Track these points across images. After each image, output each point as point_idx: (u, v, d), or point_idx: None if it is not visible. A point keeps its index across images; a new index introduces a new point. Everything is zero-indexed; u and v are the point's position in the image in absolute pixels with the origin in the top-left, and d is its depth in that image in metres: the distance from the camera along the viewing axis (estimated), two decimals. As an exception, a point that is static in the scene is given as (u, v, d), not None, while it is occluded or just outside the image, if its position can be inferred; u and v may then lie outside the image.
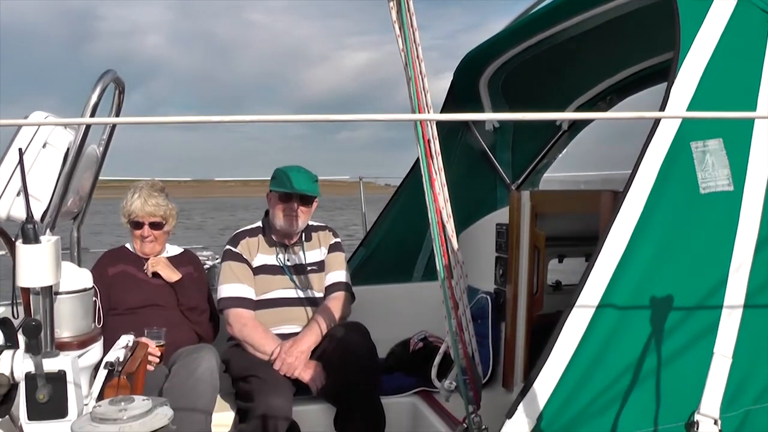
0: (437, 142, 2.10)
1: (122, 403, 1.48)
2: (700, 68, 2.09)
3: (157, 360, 3.22)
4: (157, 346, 3.20)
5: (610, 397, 1.99)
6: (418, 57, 1.99)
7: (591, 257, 2.03)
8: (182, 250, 3.87)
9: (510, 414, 1.96)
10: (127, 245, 3.76)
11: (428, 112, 2.02)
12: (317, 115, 1.20)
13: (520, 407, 1.96)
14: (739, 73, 2.17)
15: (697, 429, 1.94)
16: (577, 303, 1.97)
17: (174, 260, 3.70)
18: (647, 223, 2.01)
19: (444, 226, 2.16)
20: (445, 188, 2.16)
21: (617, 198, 2.84)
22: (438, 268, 2.29)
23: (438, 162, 2.10)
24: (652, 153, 2.02)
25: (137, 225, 3.60)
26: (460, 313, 2.37)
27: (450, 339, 2.45)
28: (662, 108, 2.02)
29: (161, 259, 3.64)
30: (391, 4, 1.98)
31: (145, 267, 3.62)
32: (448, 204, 2.17)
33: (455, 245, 2.28)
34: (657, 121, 2.03)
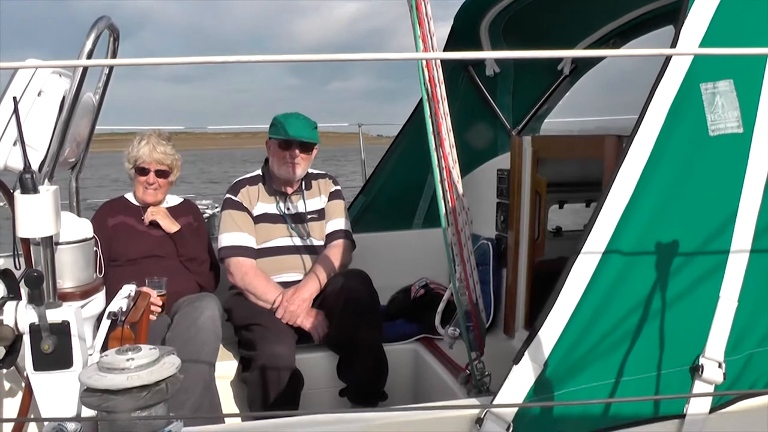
0: (443, 86, 2.06)
1: (129, 353, 1.47)
2: (712, 6, 2.03)
3: (159, 309, 3.22)
4: (158, 296, 3.20)
5: (616, 342, 1.99)
6: (427, 16, 1.94)
7: (597, 202, 2.01)
8: (182, 200, 3.86)
9: (517, 359, 1.96)
10: (127, 196, 3.74)
11: (437, 72, 1.97)
12: (323, 55, 1.16)
13: (527, 353, 1.96)
14: (753, 13, 2.12)
15: (702, 372, 1.95)
16: (584, 249, 1.96)
17: (173, 210, 3.69)
18: (655, 166, 1.98)
19: (450, 172, 2.14)
20: (451, 133, 2.13)
21: (621, 142, 2.84)
22: (441, 214, 2.28)
23: (444, 106, 2.06)
24: (660, 95, 1.98)
25: (143, 171, 3.58)
26: (465, 260, 2.35)
27: (453, 285, 2.45)
28: (672, 47, 1.97)
29: (160, 209, 3.63)
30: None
31: (143, 216, 3.61)
32: (454, 149, 2.15)
33: (461, 190, 2.26)
34: (666, 63, 1.98)
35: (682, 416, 2.03)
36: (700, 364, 1.97)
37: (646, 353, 1.99)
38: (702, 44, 2.00)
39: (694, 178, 2.05)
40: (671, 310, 1.98)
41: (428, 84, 2.04)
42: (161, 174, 3.60)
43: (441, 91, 2.08)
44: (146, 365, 1.45)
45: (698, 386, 1.98)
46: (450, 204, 2.22)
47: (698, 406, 2.03)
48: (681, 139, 2.01)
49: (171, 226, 3.59)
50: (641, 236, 1.99)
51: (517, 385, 1.94)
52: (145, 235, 3.57)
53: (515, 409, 1.92)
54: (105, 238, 3.38)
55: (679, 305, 2.00)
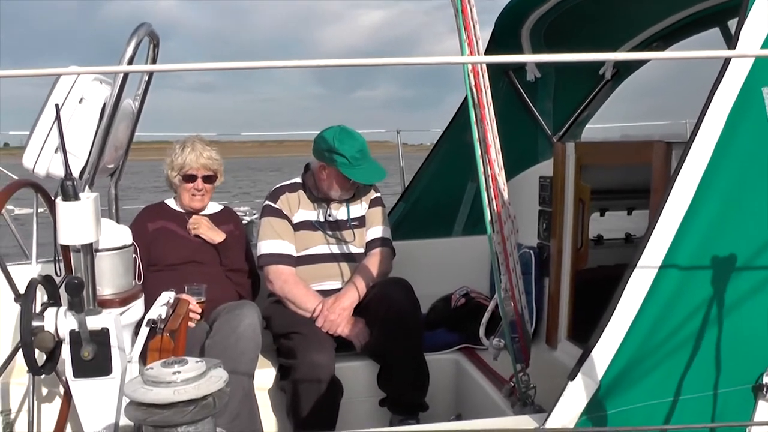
0: (489, 91, 2.01)
1: (175, 365, 1.43)
2: None
3: (198, 317, 3.21)
4: (197, 303, 3.19)
5: (674, 359, 1.91)
6: (469, 2, 1.89)
7: (656, 211, 1.93)
8: (222, 207, 3.83)
9: (572, 376, 1.89)
10: (167, 201, 3.72)
11: (483, 76, 1.92)
12: (364, 59, 1.11)
13: (582, 369, 1.89)
14: None
15: (766, 391, 1.86)
16: (640, 261, 1.88)
17: (215, 218, 3.66)
18: (714, 174, 1.90)
19: (496, 179, 2.09)
20: (497, 140, 2.08)
21: (671, 148, 2.76)
22: (487, 222, 2.22)
23: (490, 112, 2.01)
24: (719, 100, 1.90)
25: (191, 178, 3.56)
26: (511, 269, 2.29)
27: (498, 295, 2.39)
28: (731, 48, 1.89)
29: (203, 221, 3.59)
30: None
31: (188, 225, 3.58)
32: (500, 156, 2.09)
33: (507, 198, 2.21)
34: (724, 66, 1.90)
35: None
36: (764, 382, 1.88)
37: (705, 371, 1.91)
38: (764, 46, 1.92)
39: (755, 186, 1.96)
40: (732, 324, 1.90)
41: (474, 89, 1.99)
42: (208, 179, 3.59)
43: (487, 96, 2.03)
44: (193, 379, 1.41)
45: (761, 406, 1.89)
46: (496, 211, 2.17)
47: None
48: (741, 146, 1.93)
49: (215, 237, 3.56)
50: (700, 247, 1.92)
51: (572, 403, 1.87)
52: (186, 241, 3.54)
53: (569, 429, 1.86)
54: (145, 242, 3.37)
55: (741, 319, 1.92)
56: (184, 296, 3.13)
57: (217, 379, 1.44)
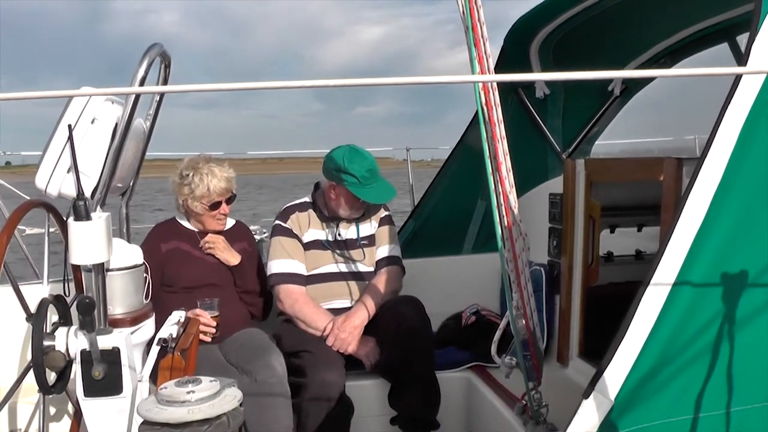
0: (499, 109, 2.01)
1: (189, 385, 1.43)
2: None
3: (213, 330, 3.18)
4: (211, 317, 3.16)
5: (689, 376, 1.89)
6: (479, 20, 1.89)
7: (668, 229, 1.91)
8: (234, 222, 3.74)
9: (586, 394, 1.88)
10: (178, 219, 3.65)
11: (493, 94, 1.92)
12: (376, 79, 1.11)
13: (596, 387, 1.87)
14: None
15: None
16: (654, 278, 1.86)
17: (229, 234, 3.59)
18: (727, 190, 1.88)
19: (507, 196, 2.08)
20: (508, 157, 2.07)
21: (681, 165, 2.75)
22: (498, 239, 2.21)
23: (501, 129, 2.01)
24: (731, 115, 1.88)
25: (216, 205, 3.46)
26: (522, 287, 2.28)
27: (510, 313, 2.38)
28: (742, 65, 1.88)
29: (219, 240, 3.50)
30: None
31: (201, 245, 3.50)
32: (511, 174, 2.09)
33: (518, 216, 2.20)
34: (736, 82, 1.89)
35: None
36: None
37: (720, 389, 1.89)
38: None
39: None
40: (747, 341, 1.88)
41: (485, 106, 1.99)
42: (230, 200, 3.52)
43: (497, 113, 2.02)
44: (207, 398, 1.41)
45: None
46: (507, 229, 2.16)
47: None
48: (754, 162, 1.91)
49: (230, 259, 3.49)
50: (713, 264, 1.90)
51: (585, 421, 1.86)
52: (201, 262, 3.47)
53: None
54: (158, 262, 3.32)
55: (756, 336, 1.90)
56: (198, 311, 3.13)
57: (231, 398, 1.44)
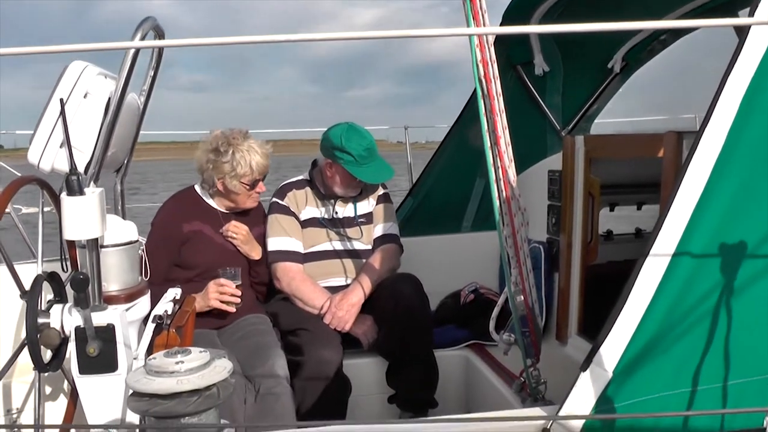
0: (498, 82, 1.97)
1: (179, 356, 1.40)
2: None
3: (238, 300, 3.14)
4: (236, 286, 3.13)
5: (688, 350, 1.88)
6: (481, 8, 1.85)
7: (663, 204, 1.89)
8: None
9: (584, 367, 1.86)
10: (199, 190, 3.45)
11: (492, 66, 1.88)
12: (378, 32, 1.08)
13: (594, 361, 1.86)
14: None
15: None
16: (652, 251, 1.85)
17: (250, 219, 3.47)
18: (726, 162, 1.85)
19: (506, 171, 2.05)
20: (507, 131, 2.04)
21: (682, 139, 2.72)
22: (497, 215, 2.19)
23: (500, 103, 1.98)
24: (730, 88, 1.85)
25: (255, 183, 3.33)
26: (521, 263, 2.26)
27: (509, 289, 2.36)
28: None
29: (243, 233, 3.36)
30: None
31: (223, 229, 3.35)
32: (510, 148, 2.06)
33: (517, 191, 2.17)
34: (735, 55, 1.85)
35: (762, 429, 1.91)
36: None
37: (719, 361, 1.88)
38: None
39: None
40: (746, 314, 1.87)
41: (483, 79, 1.96)
42: (264, 177, 3.40)
43: (496, 86, 1.99)
44: (197, 368, 1.39)
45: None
46: (506, 203, 2.14)
47: None
48: (754, 134, 1.89)
49: (251, 252, 3.39)
50: (712, 237, 1.88)
51: (584, 395, 1.85)
52: (220, 249, 3.34)
53: (582, 420, 1.82)
54: (176, 241, 3.23)
55: (755, 310, 1.88)
56: (222, 281, 3.10)
57: (221, 369, 1.42)
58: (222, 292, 3.12)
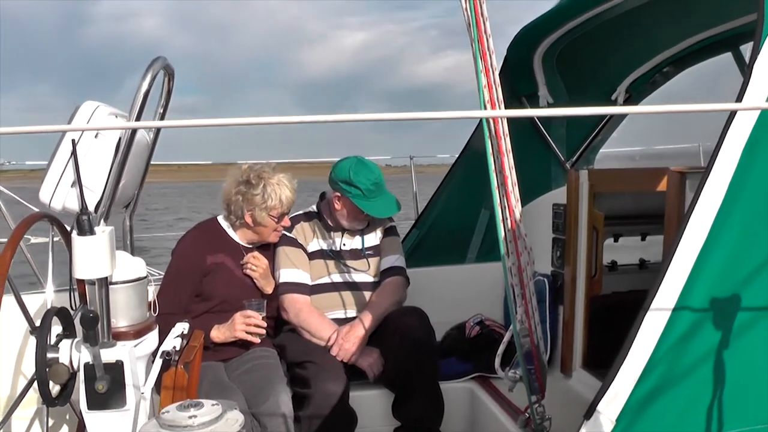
0: (505, 121, 2.00)
1: (191, 409, 1.42)
2: None
3: (264, 332, 3.18)
4: (262, 318, 3.15)
5: (693, 397, 1.86)
6: (489, 48, 1.88)
7: (671, 245, 1.88)
8: None
9: (588, 415, 1.86)
10: (222, 223, 3.49)
11: (500, 108, 1.90)
12: (393, 114, 1.10)
13: (598, 407, 1.85)
14: None
15: None
16: (655, 299, 1.84)
17: (269, 254, 3.52)
18: (730, 208, 1.85)
19: (513, 210, 2.08)
20: (514, 171, 2.07)
21: (684, 177, 2.74)
22: (502, 253, 2.20)
23: (506, 142, 2.00)
24: (735, 131, 1.86)
25: (282, 217, 3.40)
26: (527, 300, 2.28)
27: (514, 327, 2.37)
28: (741, 93, 1.84)
29: (263, 267, 3.41)
30: (464, 4, 1.88)
31: (243, 261, 3.42)
32: (516, 188, 2.08)
33: (524, 230, 2.19)
34: (740, 95, 1.86)
35: None
36: None
37: (724, 409, 1.87)
38: None
39: None
40: (752, 362, 1.86)
41: (491, 119, 1.98)
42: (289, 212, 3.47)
43: (504, 127, 2.02)
44: (209, 422, 1.41)
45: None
46: (513, 243, 2.16)
47: None
48: (758, 178, 1.89)
49: (266, 286, 3.44)
50: (716, 283, 1.86)
51: None
52: (240, 282, 3.39)
53: None
54: (199, 272, 3.25)
55: (760, 358, 1.88)
56: (249, 312, 3.13)
57: (233, 421, 1.44)
58: (248, 323, 3.16)
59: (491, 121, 1.99)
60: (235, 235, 3.47)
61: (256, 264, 3.39)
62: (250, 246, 3.47)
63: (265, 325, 3.15)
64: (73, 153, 2.04)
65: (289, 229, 3.56)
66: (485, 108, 1.93)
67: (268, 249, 3.54)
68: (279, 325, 3.59)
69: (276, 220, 3.37)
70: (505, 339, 2.67)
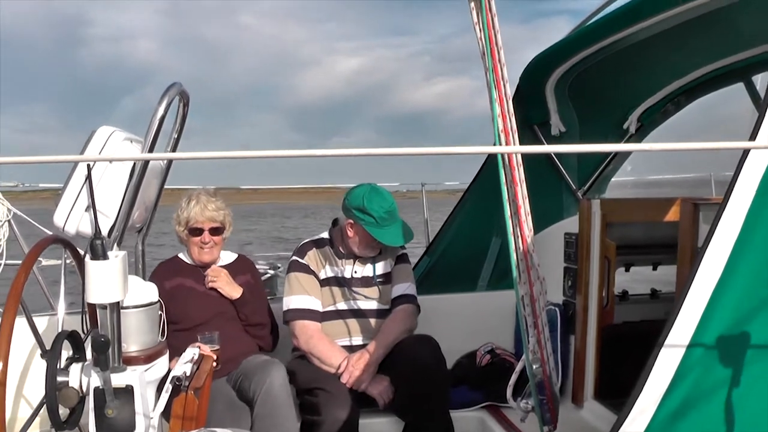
0: (522, 168, 1.99)
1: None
2: None
3: (214, 365, 3.17)
4: (212, 351, 3.15)
5: None
6: (503, 77, 1.88)
7: (688, 275, 1.86)
8: (236, 255, 3.78)
9: None
10: (181, 255, 3.68)
11: (513, 136, 1.90)
12: (408, 149, 1.11)
13: None
14: None
15: None
16: (670, 335, 1.81)
17: (231, 268, 3.61)
18: (748, 237, 1.84)
19: (526, 240, 2.07)
20: (527, 201, 2.07)
21: (698, 209, 2.73)
22: (515, 284, 2.19)
23: (520, 173, 2.00)
24: (751, 163, 1.84)
25: (197, 231, 3.49)
26: (540, 330, 2.27)
27: (526, 357, 2.36)
28: (756, 130, 1.82)
29: (222, 273, 3.53)
30: (479, 34, 1.89)
31: (205, 281, 3.51)
32: (530, 218, 2.08)
33: (537, 260, 2.19)
34: (755, 131, 1.85)
35: None
36: None
37: None
38: None
39: None
40: (765, 402, 1.83)
41: (510, 167, 1.98)
42: (215, 231, 3.53)
43: (517, 157, 2.02)
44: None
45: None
46: (525, 273, 2.15)
47: None
48: None
49: (232, 292, 3.50)
50: (732, 318, 1.83)
51: None
52: (205, 298, 3.49)
53: None
54: (163, 300, 3.33)
55: None
56: (197, 345, 3.12)
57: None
58: None
59: (509, 167, 1.99)
60: (188, 259, 3.62)
61: (214, 275, 3.51)
62: (205, 266, 3.58)
63: (215, 357, 3.17)
64: (88, 178, 2.05)
65: (301, 255, 3.58)
66: (499, 138, 1.93)
67: (231, 267, 3.64)
68: (275, 340, 3.68)
69: (188, 233, 3.51)
70: (517, 369, 2.66)
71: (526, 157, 4.02)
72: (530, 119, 4.22)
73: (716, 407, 1.81)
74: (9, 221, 4.30)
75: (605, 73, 3.85)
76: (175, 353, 2.74)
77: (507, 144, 1.94)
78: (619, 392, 1.89)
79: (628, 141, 4.36)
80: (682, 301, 1.82)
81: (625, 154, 4.44)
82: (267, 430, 3.02)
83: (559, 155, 4.27)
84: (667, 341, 1.81)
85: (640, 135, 4.36)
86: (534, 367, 2.36)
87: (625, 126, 4.29)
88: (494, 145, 2.06)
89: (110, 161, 2.35)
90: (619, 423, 1.82)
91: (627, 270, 4.21)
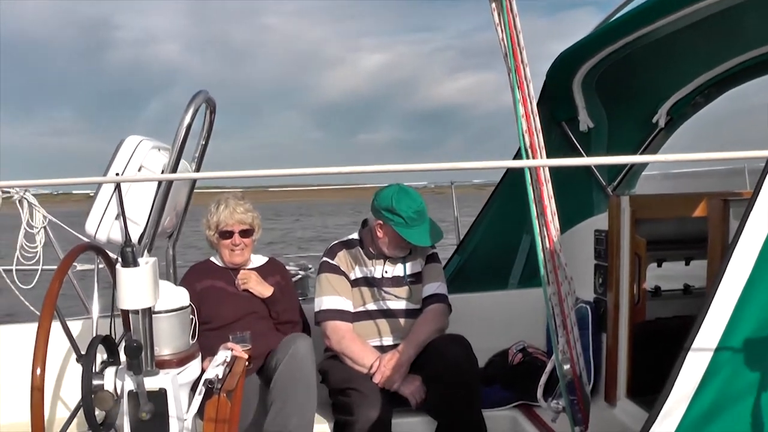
0: (543, 151, 1.99)
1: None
2: None
3: (247, 363, 3.21)
4: (243, 350, 3.18)
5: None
6: (526, 77, 1.88)
7: (717, 271, 1.83)
8: (267, 259, 3.83)
9: None
10: (212, 258, 3.75)
11: (537, 136, 1.90)
12: (441, 164, 1.11)
13: None
14: None
15: None
16: (699, 334, 1.79)
17: (261, 270, 3.66)
18: None
19: (553, 240, 2.06)
20: (553, 200, 2.06)
21: (728, 205, 2.69)
22: (544, 285, 2.19)
23: (546, 173, 2.00)
24: None
25: (227, 234, 3.56)
26: (569, 330, 2.26)
27: (556, 357, 2.35)
28: None
29: (252, 275, 3.58)
30: (500, 35, 1.89)
31: (236, 282, 3.57)
32: (556, 218, 2.07)
33: (564, 260, 2.18)
34: None
35: None
36: None
37: None
38: None
39: None
40: None
41: (529, 149, 1.98)
42: (245, 234, 3.58)
43: (542, 156, 2.01)
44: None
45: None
46: (553, 273, 2.14)
47: None
48: None
49: (264, 291, 3.55)
50: (764, 315, 1.82)
51: None
52: (236, 298, 3.54)
53: None
54: (194, 302, 3.37)
55: None
56: (230, 344, 3.16)
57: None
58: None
59: (530, 150, 1.98)
60: (219, 262, 3.70)
61: (244, 277, 3.57)
62: (236, 268, 3.64)
63: (246, 356, 3.20)
64: (117, 186, 2.09)
65: (332, 256, 3.60)
66: (523, 138, 1.93)
67: (261, 270, 3.69)
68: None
69: (219, 236, 3.59)
70: (547, 369, 2.65)
71: (555, 153, 3.99)
72: (558, 116, 4.19)
73: (745, 408, 1.78)
74: (45, 228, 4.39)
75: (633, 66, 3.81)
76: (207, 352, 2.78)
77: (531, 146, 1.94)
78: (652, 390, 1.87)
79: (657, 135, 4.31)
80: (711, 300, 1.80)
81: (655, 148, 4.38)
82: (285, 387, 3.09)
83: (588, 150, 4.23)
84: (696, 340, 1.78)
85: (669, 128, 4.31)
86: (564, 367, 2.35)
87: (654, 120, 4.23)
88: (519, 147, 2.05)
89: (137, 180, 2.38)
90: (649, 424, 1.81)
91: (659, 265, 4.16)
